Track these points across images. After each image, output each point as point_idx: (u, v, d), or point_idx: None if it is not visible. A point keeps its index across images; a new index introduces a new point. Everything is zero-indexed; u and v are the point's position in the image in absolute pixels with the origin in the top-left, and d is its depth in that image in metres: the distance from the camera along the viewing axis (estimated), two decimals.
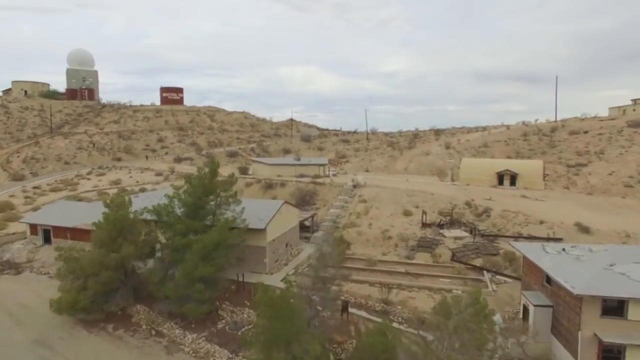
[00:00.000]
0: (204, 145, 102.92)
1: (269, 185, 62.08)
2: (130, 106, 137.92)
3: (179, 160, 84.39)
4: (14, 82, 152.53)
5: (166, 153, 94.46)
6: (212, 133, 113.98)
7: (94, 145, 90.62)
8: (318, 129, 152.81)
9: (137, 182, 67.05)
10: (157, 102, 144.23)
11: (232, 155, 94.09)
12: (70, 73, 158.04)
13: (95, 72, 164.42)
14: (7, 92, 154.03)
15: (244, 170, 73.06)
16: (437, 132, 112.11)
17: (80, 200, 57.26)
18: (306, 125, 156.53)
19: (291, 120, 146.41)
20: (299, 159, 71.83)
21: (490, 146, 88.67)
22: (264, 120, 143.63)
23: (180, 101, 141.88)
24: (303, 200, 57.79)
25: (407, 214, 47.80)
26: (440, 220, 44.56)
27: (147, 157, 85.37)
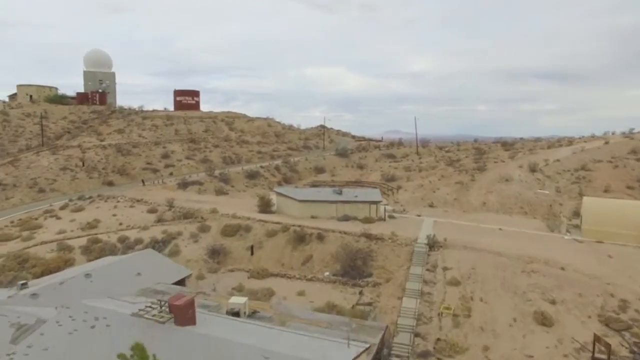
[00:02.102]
0: (218, 162, 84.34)
1: (300, 237, 42.51)
2: (141, 112, 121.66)
3: (183, 184, 66.07)
4: (18, 86, 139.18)
5: (170, 174, 76.35)
6: (229, 146, 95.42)
7: (83, 163, 73.46)
8: (353, 137, 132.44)
9: (120, 224, 48.82)
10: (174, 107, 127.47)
11: (252, 176, 75.20)
12: (86, 75, 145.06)
13: (113, 74, 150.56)
14: (13, 97, 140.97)
15: (265, 205, 53.85)
16: (506, 145, 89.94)
17: (24, 261, 39.20)
18: (339, 133, 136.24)
19: (323, 127, 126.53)
20: (340, 192, 51.97)
21: (593, 169, 66.30)
22: (290, 128, 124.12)
23: (195, 106, 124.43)
24: (352, 267, 37.88)
25: (544, 321, 27.04)
26: (635, 356, 23.59)
27: (143, 182, 67.38)
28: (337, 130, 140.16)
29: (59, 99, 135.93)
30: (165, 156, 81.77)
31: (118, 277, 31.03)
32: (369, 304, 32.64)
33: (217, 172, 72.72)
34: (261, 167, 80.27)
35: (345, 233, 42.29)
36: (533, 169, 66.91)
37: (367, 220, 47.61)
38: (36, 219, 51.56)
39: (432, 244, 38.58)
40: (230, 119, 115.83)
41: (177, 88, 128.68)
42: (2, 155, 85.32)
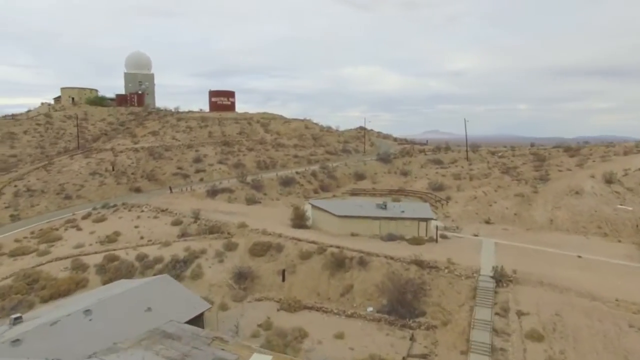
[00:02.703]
0: (251, 167, 79.79)
1: (339, 262, 36.50)
2: (177, 113, 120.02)
3: (213, 192, 61.75)
4: (62, 89, 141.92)
5: (201, 179, 72.39)
6: (264, 149, 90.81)
7: (113, 168, 70.87)
8: (395, 140, 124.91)
9: (141, 238, 44.77)
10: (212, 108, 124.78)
11: (286, 183, 70.00)
12: (127, 77, 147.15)
13: (152, 76, 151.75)
14: (58, 99, 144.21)
15: (299, 219, 48.39)
16: (569, 151, 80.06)
17: (34, 281, 35.54)
18: (379, 135, 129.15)
19: (363, 129, 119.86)
20: (385, 207, 45.57)
21: None
22: (329, 130, 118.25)
23: (231, 107, 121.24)
24: (400, 303, 31.46)
25: None
26: None
27: (170, 190, 63.59)
28: (378, 132, 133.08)
29: (99, 101, 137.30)
30: (197, 160, 78.12)
31: (123, 313, 26.30)
32: (424, 356, 26.23)
33: (249, 179, 68.04)
34: (297, 172, 74.92)
35: (391, 258, 35.94)
36: (609, 180, 57.53)
37: (416, 241, 41.08)
38: (57, 229, 48.53)
39: (499, 278, 31.56)
40: (266, 121, 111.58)
41: (214, 89, 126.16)
42: (41, 159, 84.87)
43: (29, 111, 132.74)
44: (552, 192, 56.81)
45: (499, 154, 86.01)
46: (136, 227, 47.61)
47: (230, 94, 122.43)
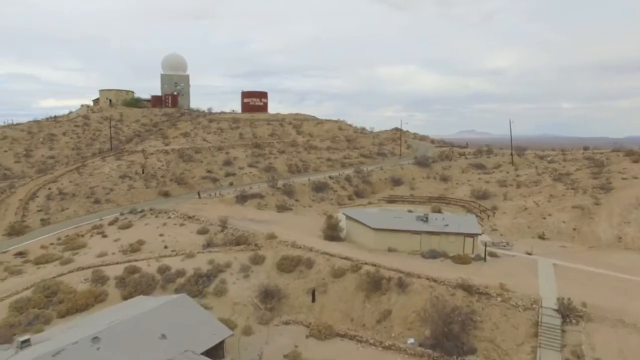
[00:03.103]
0: (283, 171, 76.96)
1: (375, 283, 32.74)
2: (209, 114, 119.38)
3: (242, 197, 59.20)
4: (100, 91, 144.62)
5: (231, 183, 70.18)
6: (296, 151, 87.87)
7: (143, 171, 69.85)
8: (432, 142, 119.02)
9: (165, 247, 42.61)
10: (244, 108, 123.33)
11: (319, 189, 66.64)
12: (163, 78, 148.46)
13: (187, 77, 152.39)
14: (96, 101, 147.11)
15: (332, 229, 44.86)
16: (633, 155, 72.37)
17: (53, 294, 33.78)
18: (416, 136, 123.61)
19: (399, 130, 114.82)
20: (426, 220, 41.24)
21: None
22: (363, 132, 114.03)
23: (263, 108, 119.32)
24: (446, 335, 27.39)
25: None
26: None
27: (199, 195, 61.56)
28: (414, 134, 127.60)
29: (135, 102, 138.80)
30: (227, 163, 76.09)
31: (135, 340, 23.64)
32: None
33: (280, 183, 65.14)
34: (330, 177, 71.40)
35: (434, 281, 31.79)
36: None
37: (462, 259, 36.66)
38: (82, 235, 47.22)
39: (567, 312, 26.77)
40: (298, 122, 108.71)
41: (248, 89, 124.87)
42: (76, 160, 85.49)
43: (70, 113, 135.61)
44: (618, 204, 50.54)
45: (549, 158, 79.20)
46: (161, 235, 45.55)
47: (262, 95, 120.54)
